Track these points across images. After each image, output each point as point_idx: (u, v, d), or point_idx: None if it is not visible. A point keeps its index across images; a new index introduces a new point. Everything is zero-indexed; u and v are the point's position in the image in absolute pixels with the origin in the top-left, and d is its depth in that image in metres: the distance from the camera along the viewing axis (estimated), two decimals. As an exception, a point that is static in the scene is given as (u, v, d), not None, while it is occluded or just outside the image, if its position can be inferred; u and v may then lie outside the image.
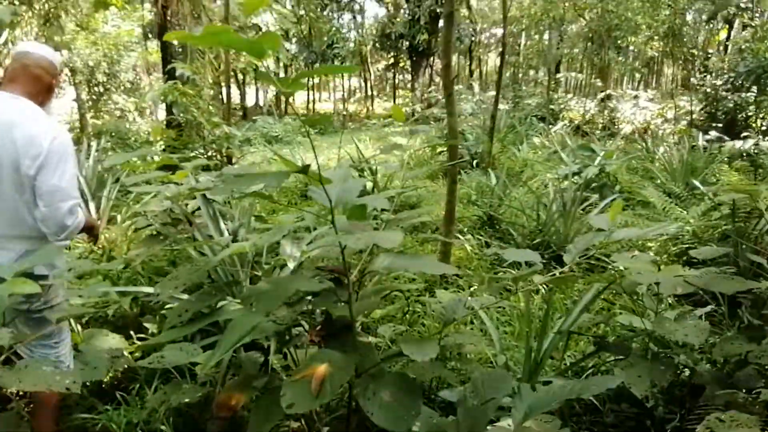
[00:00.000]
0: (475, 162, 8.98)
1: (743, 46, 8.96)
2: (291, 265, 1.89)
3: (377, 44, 24.13)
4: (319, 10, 16.45)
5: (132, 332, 2.93)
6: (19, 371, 1.36)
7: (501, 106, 22.51)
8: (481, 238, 4.83)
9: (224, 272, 2.73)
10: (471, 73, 27.35)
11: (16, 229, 1.89)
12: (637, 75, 16.47)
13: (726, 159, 7.60)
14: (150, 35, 13.45)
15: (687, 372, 2.26)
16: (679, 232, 4.14)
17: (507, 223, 5.22)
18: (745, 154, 7.75)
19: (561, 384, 1.63)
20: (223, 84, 9.10)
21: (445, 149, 11.16)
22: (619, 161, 7.43)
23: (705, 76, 10.83)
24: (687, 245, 3.97)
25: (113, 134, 8.05)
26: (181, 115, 5.77)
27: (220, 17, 10.77)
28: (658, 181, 7.19)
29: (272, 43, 1.30)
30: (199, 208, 3.19)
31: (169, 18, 8.13)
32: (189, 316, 1.52)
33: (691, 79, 11.86)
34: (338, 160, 9.80)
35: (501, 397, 1.51)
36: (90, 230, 2.15)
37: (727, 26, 11.50)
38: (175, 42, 9.63)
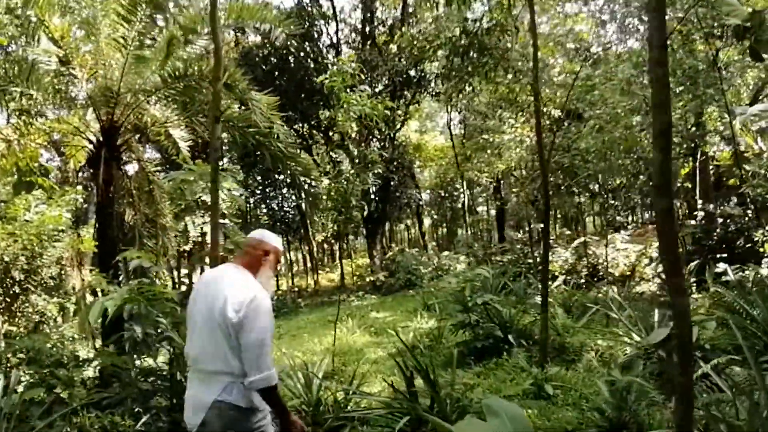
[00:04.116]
0: (509, 336, 7.06)
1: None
2: None
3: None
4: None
5: None
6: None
7: (459, 266, 21.41)
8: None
9: None
10: (423, 234, 26.70)
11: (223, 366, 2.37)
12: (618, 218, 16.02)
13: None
14: (80, 222, 11.43)
15: None
16: None
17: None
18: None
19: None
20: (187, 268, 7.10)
21: (465, 326, 9.09)
22: (709, 322, 5.85)
23: (712, 206, 10.23)
24: None
25: (27, 352, 5.45)
26: (137, 328, 3.64)
27: (169, 193, 8.99)
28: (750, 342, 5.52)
29: None
30: None
31: (111, 195, 6.29)
32: None
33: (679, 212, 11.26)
34: (332, 353, 7.67)
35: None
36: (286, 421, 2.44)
37: (691, 159, 11.26)
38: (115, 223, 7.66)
